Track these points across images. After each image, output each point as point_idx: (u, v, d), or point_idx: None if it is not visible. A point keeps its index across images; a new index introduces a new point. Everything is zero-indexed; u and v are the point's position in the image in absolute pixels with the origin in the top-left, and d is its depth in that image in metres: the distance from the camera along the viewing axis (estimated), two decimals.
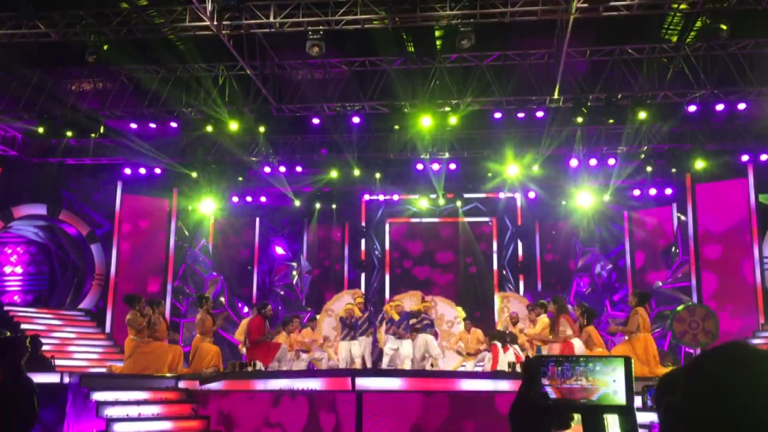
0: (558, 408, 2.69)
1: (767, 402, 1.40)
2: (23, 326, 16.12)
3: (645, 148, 17.58)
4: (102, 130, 16.40)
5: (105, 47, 13.09)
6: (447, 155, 18.41)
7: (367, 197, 21.80)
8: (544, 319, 13.56)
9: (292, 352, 14.64)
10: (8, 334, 11.57)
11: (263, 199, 21.28)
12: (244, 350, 13.78)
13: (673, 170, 17.75)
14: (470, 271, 21.62)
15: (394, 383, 10.89)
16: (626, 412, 2.90)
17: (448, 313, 18.31)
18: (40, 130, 16.05)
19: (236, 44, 13.35)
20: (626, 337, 12.18)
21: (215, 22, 12.31)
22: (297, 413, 10.35)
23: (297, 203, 21.34)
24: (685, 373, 1.54)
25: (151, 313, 12.96)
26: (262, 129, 15.96)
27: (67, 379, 11.29)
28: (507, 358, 13.21)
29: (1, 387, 5.22)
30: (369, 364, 14.54)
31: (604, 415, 2.85)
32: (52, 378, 11.46)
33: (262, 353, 12.88)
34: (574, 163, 18.10)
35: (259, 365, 12.45)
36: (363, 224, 22.01)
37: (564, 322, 12.18)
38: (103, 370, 14.44)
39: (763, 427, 1.40)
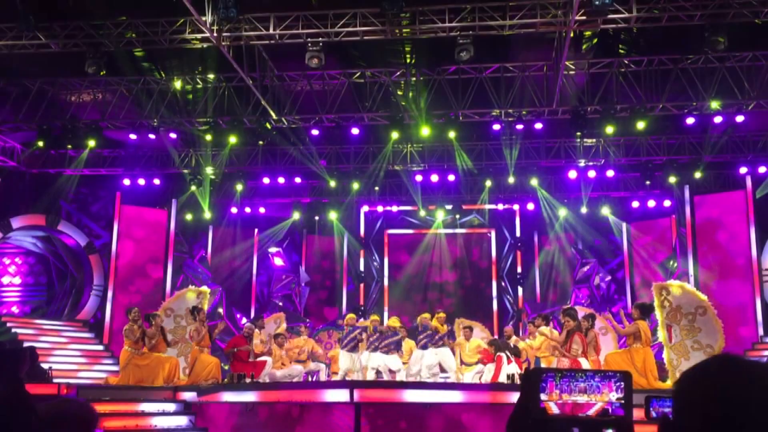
0: (556, 422, 2.68)
1: (760, 413, 1.39)
2: (21, 337, 16.08)
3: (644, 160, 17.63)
4: (101, 141, 16.43)
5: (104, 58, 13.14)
6: (446, 167, 18.43)
7: (365, 208, 21.80)
8: (543, 331, 13.54)
9: (289, 365, 14.64)
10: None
11: (262, 210, 21.28)
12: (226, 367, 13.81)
13: (672, 182, 17.77)
14: (469, 282, 21.59)
15: (392, 395, 10.87)
16: (624, 427, 2.89)
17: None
18: (40, 143, 16.05)
19: (236, 55, 13.38)
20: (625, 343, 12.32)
21: (215, 34, 12.35)
22: (295, 425, 10.31)
23: (296, 215, 21.36)
24: (677, 387, 1.54)
25: (147, 326, 12.96)
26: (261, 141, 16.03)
27: (64, 391, 11.27)
28: (507, 370, 13.18)
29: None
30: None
31: (603, 430, 2.84)
32: (49, 389, 11.44)
33: (248, 369, 12.93)
34: (572, 174, 18.13)
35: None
36: (362, 235, 22.00)
37: (577, 340, 12.17)
38: (101, 381, 14.41)
39: None
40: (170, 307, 16.60)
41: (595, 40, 13.53)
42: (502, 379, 12.77)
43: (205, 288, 16.70)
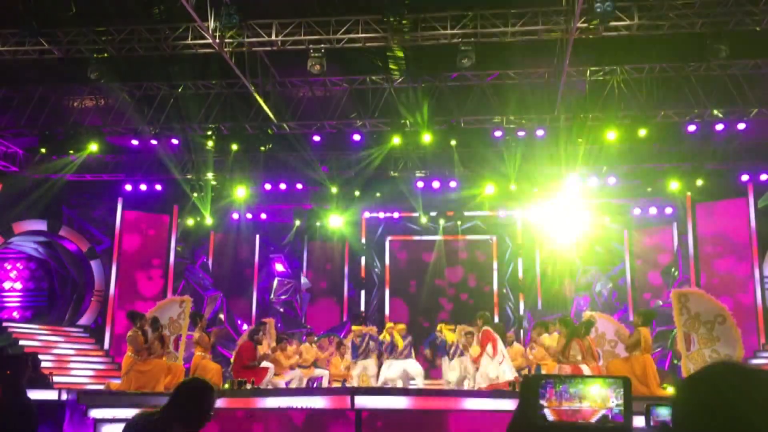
0: (555, 429, 2.68)
1: (760, 421, 1.39)
2: (22, 342, 16.08)
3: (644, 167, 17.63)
4: (103, 147, 16.46)
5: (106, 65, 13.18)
6: (447, 173, 18.43)
7: (367, 215, 21.80)
8: (545, 339, 13.52)
9: (294, 369, 14.65)
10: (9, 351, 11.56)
11: (264, 216, 21.30)
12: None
13: (673, 189, 17.76)
14: (470, 289, 21.58)
15: (393, 402, 10.84)
16: None
17: (609, 331, 15.16)
18: (43, 150, 16.06)
19: (238, 62, 13.41)
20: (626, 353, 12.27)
21: (217, 40, 12.38)
22: (296, 431, 10.29)
23: (297, 221, 21.39)
24: (676, 395, 1.54)
25: (150, 333, 12.93)
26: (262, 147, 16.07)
27: (64, 396, 11.26)
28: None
29: (1, 406, 5.20)
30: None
31: None
32: (50, 395, 11.43)
33: (250, 377, 12.90)
34: (574, 181, 18.11)
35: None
36: (363, 242, 21.99)
37: (575, 346, 12.14)
38: (101, 387, 14.39)
39: None
40: (154, 317, 16.25)
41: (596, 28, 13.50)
42: (498, 356, 12.90)
43: (186, 297, 16.36)
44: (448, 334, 14.68)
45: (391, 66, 14.54)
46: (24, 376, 5.52)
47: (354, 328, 15.44)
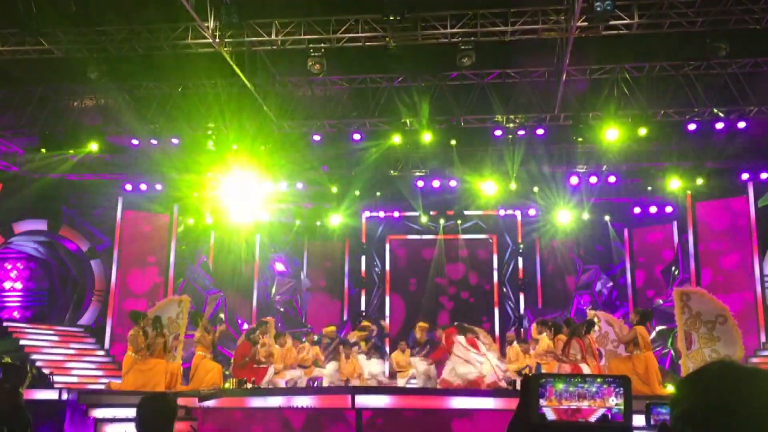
0: (555, 428, 2.69)
1: (757, 421, 1.39)
2: (22, 342, 16.08)
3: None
4: (103, 147, 16.45)
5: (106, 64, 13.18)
6: (447, 172, 18.43)
7: (367, 214, 21.80)
8: (545, 338, 13.53)
9: (293, 368, 14.66)
10: (8, 360, 11.54)
11: (264, 215, 21.27)
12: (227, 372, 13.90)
13: (674, 188, 17.76)
14: (470, 288, 21.58)
15: (394, 401, 10.85)
16: None
17: (611, 330, 14.48)
18: (43, 150, 16.06)
19: (238, 61, 13.41)
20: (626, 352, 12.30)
21: (217, 40, 12.38)
22: (296, 430, 10.29)
23: (298, 220, 21.37)
24: (674, 393, 1.54)
25: (151, 333, 12.94)
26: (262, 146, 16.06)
27: (65, 396, 11.28)
28: (459, 351, 13.32)
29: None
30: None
31: None
32: (50, 395, 11.45)
33: (250, 376, 12.94)
34: (574, 180, 18.12)
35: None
36: (363, 241, 21.99)
37: (575, 345, 12.16)
38: (102, 386, 14.40)
39: None
40: (156, 316, 16.09)
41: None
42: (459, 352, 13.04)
43: (185, 296, 16.30)
44: (419, 332, 14.84)
45: (391, 64, 14.57)
46: (23, 383, 5.62)
47: (326, 329, 15.48)
